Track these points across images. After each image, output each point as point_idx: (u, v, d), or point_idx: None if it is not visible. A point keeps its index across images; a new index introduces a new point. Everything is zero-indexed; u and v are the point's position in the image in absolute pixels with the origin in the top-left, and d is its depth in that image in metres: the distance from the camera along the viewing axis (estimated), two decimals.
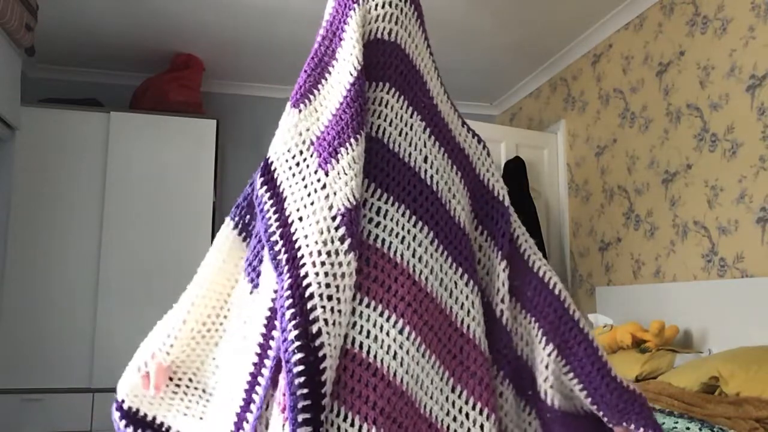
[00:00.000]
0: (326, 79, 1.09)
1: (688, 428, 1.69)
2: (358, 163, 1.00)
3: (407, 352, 0.95)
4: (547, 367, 1.06)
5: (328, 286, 0.92)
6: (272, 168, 1.06)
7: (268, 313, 0.99)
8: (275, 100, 4.40)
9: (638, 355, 2.50)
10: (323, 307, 0.91)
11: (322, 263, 0.93)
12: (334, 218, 0.97)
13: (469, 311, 1.04)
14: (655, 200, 3.06)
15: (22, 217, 3.48)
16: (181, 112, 3.83)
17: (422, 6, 1.20)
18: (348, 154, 1.00)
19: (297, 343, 0.88)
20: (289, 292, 0.92)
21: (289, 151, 1.05)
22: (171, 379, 1.12)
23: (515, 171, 3.82)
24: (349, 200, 0.98)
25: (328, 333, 0.90)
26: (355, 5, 1.10)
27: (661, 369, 2.42)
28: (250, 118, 4.37)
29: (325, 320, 0.90)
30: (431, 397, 0.98)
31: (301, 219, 0.99)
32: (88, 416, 3.41)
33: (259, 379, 0.99)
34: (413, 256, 1.01)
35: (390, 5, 1.12)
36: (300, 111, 1.07)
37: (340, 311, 0.92)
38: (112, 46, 3.81)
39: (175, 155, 3.74)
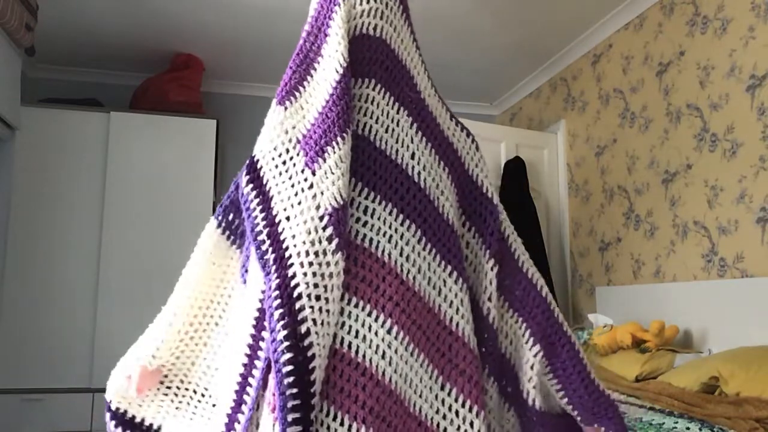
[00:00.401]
0: (312, 76, 1.08)
1: (688, 428, 1.69)
2: (345, 161, 0.99)
3: (396, 352, 0.96)
4: (532, 367, 1.07)
5: (316, 286, 0.92)
6: (258, 167, 1.05)
7: (257, 314, 0.99)
8: None
9: (638, 355, 2.50)
10: (311, 307, 0.91)
11: (310, 263, 0.93)
12: (321, 218, 0.96)
13: (458, 309, 1.04)
14: (655, 200, 3.06)
15: (22, 217, 3.48)
16: (181, 112, 3.83)
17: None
18: (335, 153, 0.99)
19: (286, 343, 0.88)
20: (277, 292, 0.92)
21: (275, 149, 1.04)
22: (162, 382, 1.12)
23: (515, 171, 3.82)
24: (336, 200, 0.97)
25: (316, 333, 0.90)
26: (340, 1, 1.09)
27: (661, 369, 2.42)
28: (250, 118, 4.37)
29: (314, 320, 0.90)
30: (420, 396, 0.98)
31: (288, 219, 0.98)
32: (88, 416, 3.41)
33: (250, 380, 0.99)
34: (401, 255, 1.01)
35: (375, 0, 1.11)
36: (286, 108, 1.06)
37: (328, 311, 0.92)
38: (112, 46, 3.81)
39: (175, 155, 3.74)
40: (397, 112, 1.09)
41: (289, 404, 0.85)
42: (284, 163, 1.03)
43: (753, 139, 2.48)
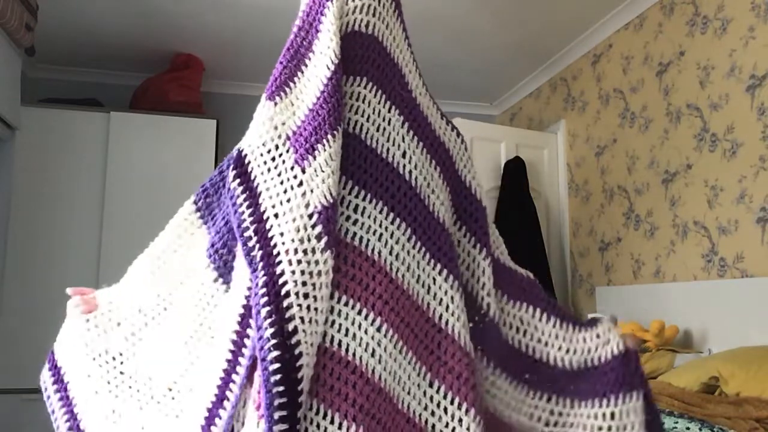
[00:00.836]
0: (302, 72, 1.08)
1: (688, 428, 1.69)
2: (335, 160, 0.99)
3: (385, 349, 0.95)
4: (557, 337, 1.09)
5: (304, 284, 0.91)
6: (246, 162, 1.04)
7: (242, 311, 0.98)
8: None
9: None
10: (299, 305, 0.90)
11: (299, 261, 0.92)
12: (311, 216, 0.96)
13: (447, 307, 1.03)
14: (655, 200, 3.06)
15: (22, 217, 3.48)
16: (181, 112, 3.83)
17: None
18: (325, 150, 0.99)
19: (273, 341, 0.88)
20: (264, 289, 0.91)
21: (264, 145, 1.03)
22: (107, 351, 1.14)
23: (515, 171, 3.82)
24: (326, 198, 0.97)
25: (304, 331, 0.89)
26: None
27: (661, 369, 2.42)
28: (250, 118, 4.32)
29: (302, 318, 0.90)
30: (409, 393, 0.98)
31: (276, 216, 0.97)
32: None
33: (234, 376, 0.99)
34: (390, 253, 1.01)
35: None
36: (275, 104, 1.05)
37: (316, 309, 0.92)
38: (112, 46, 3.81)
39: (175, 155, 3.74)
40: (389, 111, 1.09)
41: (276, 402, 0.85)
42: (273, 159, 1.02)
43: (753, 139, 2.48)
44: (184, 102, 3.84)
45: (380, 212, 1.02)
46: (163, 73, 3.93)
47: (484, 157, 3.84)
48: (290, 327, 0.89)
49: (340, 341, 0.94)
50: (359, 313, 0.96)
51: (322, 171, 0.98)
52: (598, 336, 1.10)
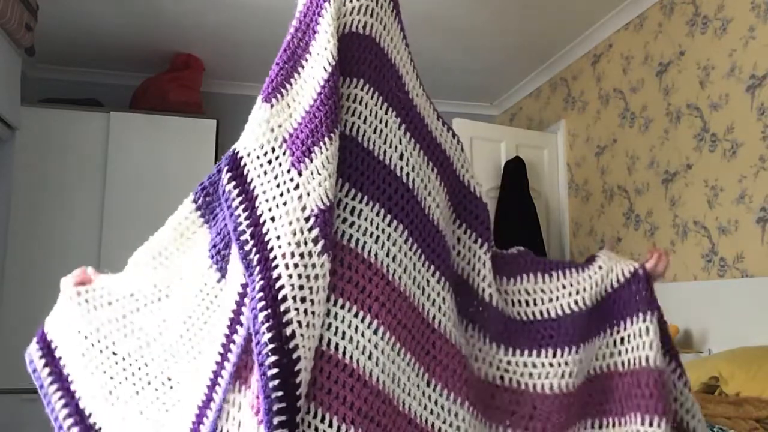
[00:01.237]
0: (299, 74, 1.07)
1: None
2: (332, 162, 0.98)
3: (382, 352, 0.96)
4: (564, 287, 1.13)
5: (301, 288, 0.91)
6: (242, 163, 1.03)
7: (232, 315, 0.98)
8: None
9: None
10: (297, 309, 0.90)
11: (296, 265, 0.92)
12: (307, 219, 0.95)
13: (440, 307, 1.05)
14: (655, 200, 3.06)
15: (22, 216, 3.48)
16: (181, 112, 3.83)
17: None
18: (322, 153, 0.98)
19: (270, 346, 0.87)
20: (261, 294, 0.91)
21: (261, 147, 1.02)
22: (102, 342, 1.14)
23: (515, 171, 3.81)
24: (322, 201, 0.96)
25: (302, 335, 0.89)
26: None
27: None
28: None
29: (299, 322, 0.89)
30: (409, 394, 0.98)
31: (273, 219, 0.97)
32: None
33: (219, 380, 0.99)
34: (387, 255, 1.01)
35: None
36: (272, 106, 1.04)
37: (314, 313, 0.91)
38: (112, 46, 3.81)
39: (175, 155, 3.73)
40: (386, 113, 1.08)
41: (275, 407, 0.85)
42: (270, 162, 1.01)
43: (753, 139, 2.48)
44: (184, 102, 3.84)
45: (377, 215, 1.02)
46: (163, 73, 3.93)
47: (484, 157, 3.84)
48: (288, 331, 0.89)
49: (337, 344, 0.93)
50: (356, 316, 0.96)
51: (319, 174, 0.97)
52: (600, 267, 1.13)
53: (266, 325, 0.89)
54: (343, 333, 0.94)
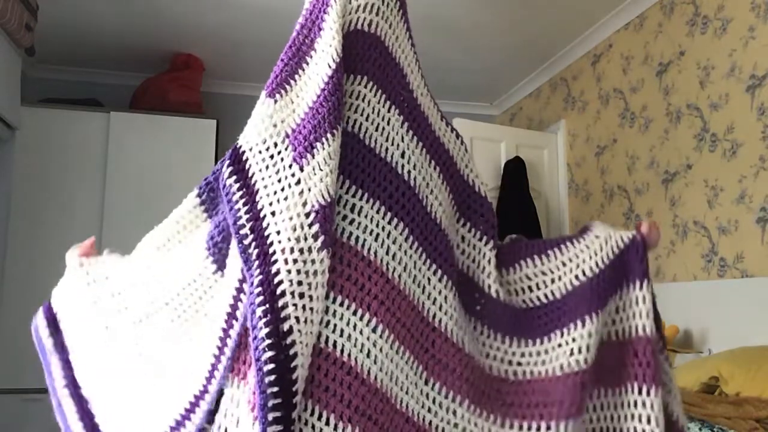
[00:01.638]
0: (303, 70, 1.07)
1: (688, 428, 1.69)
2: (333, 159, 0.98)
3: (381, 350, 0.96)
4: (564, 264, 1.12)
5: (300, 283, 0.91)
6: (244, 158, 1.03)
7: (229, 309, 0.98)
8: None
9: None
10: (295, 304, 0.90)
11: (295, 260, 0.92)
12: (308, 215, 0.95)
13: (441, 306, 1.04)
14: (655, 200, 3.06)
15: (22, 217, 3.48)
16: (181, 112, 3.83)
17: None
18: (324, 149, 0.98)
19: (268, 341, 0.87)
20: (259, 289, 0.91)
21: (263, 142, 1.02)
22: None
23: (515, 171, 3.81)
24: (323, 196, 0.96)
25: (299, 331, 0.89)
26: None
27: None
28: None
29: (297, 318, 0.89)
30: (407, 392, 0.98)
31: (273, 214, 0.97)
32: None
33: (215, 373, 0.99)
34: (387, 253, 1.01)
35: None
36: (276, 101, 1.04)
37: (312, 309, 0.91)
38: (112, 46, 3.81)
39: (175, 155, 3.73)
40: (388, 111, 1.08)
41: (270, 403, 0.85)
42: (272, 157, 1.01)
43: (753, 139, 2.48)
44: (184, 102, 3.84)
45: (377, 212, 1.02)
46: (163, 73, 3.93)
47: (484, 157, 3.84)
48: (285, 327, 0.88)
49: (335, 342, 0.93)
50: (355, 313, 0.96)
51: (320, 169, 0.97)
52: (597, 237, 1.11)
53: (264, 320, 0.89)
54: (342, 330, 0.94)
